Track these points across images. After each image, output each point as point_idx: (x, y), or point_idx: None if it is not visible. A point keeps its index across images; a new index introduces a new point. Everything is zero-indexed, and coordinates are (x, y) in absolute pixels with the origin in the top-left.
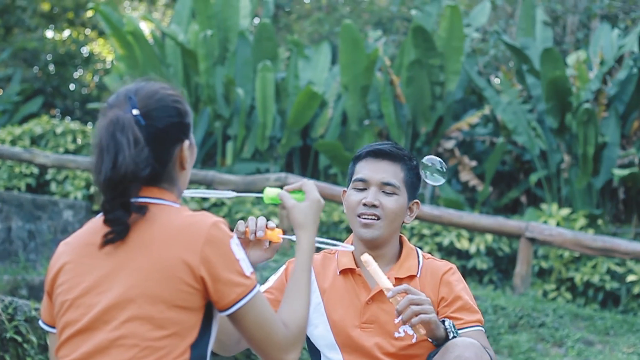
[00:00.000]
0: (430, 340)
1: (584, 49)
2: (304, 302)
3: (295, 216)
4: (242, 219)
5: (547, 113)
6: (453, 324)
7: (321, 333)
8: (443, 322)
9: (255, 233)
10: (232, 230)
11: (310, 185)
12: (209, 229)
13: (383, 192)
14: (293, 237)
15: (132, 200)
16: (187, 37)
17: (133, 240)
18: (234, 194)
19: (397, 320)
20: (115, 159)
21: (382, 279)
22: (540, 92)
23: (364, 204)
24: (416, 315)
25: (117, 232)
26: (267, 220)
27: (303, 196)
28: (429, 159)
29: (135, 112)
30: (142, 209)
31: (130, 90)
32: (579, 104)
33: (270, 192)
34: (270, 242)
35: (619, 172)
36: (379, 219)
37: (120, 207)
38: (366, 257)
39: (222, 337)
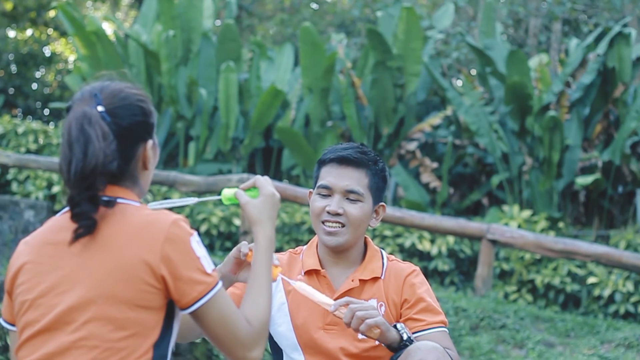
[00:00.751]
0: (384, 345)
1: (546, 52)
2: (266, 298)
3: (249, 212)
4: (204, 219)
5: (509, 115)
6: (404, 326)
7: (284, 333)
8: (395, 326)
9: None
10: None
11: (263, 181)
12: (169, 228)
13: (347, 199)
14: (292, 282)
15: (99, 194)
16: (150, 38)
17: (95, 239)
18: (196, 199)
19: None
20: (86, 150)
21: (321, 298)
22: (503, 94)
23: (328, 212)
24: (363, 321)
25: (86, 227)
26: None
27: (257, 193)
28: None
29: (100, 108)
30: (110, 203)
31: (95, 87)
32: (540, 106)
33: (227, 193)
34: None
35: (582, 181)
36: (343, 226)
37: (88, 200)
38: (299, 285)
39: (184, 329)
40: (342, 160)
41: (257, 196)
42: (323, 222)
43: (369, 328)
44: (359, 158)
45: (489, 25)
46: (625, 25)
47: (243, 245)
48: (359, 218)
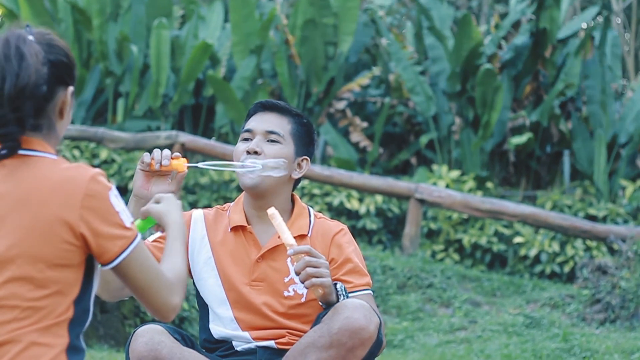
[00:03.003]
0: (321, 303)
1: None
2: (182, 257)
3: (155, 210)
4: (132, 176)
5: (449, 76)
6: (344, 288)
7: (211, 288)
8: (335, 284)
9: (160, 162)
10: (119, 188)
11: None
12: (87, 183)
13: (268, 141)
14: (200, 165)
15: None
16: None
17: (11, 194)
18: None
19: (287, 279)
20: (20, 67)
21: (286, 234)
22: (441, 53)
23: (247, 152)
24: (310, 278)
25: (9, 148)
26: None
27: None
28: None
29: (31, 37)
30: (38, 128)
31: (21, 25)
32: (469, 67)
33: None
34: (176, 173)
35: (515, 140)
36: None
37: (14, 122)
38: (272, 211)
39: (104, 284)
40: (266, 106)
41: (145, 228)
42: (243, 165)
43: (313, 286)
44: (282, 105)
45: None
46: None
47: (145, 156)
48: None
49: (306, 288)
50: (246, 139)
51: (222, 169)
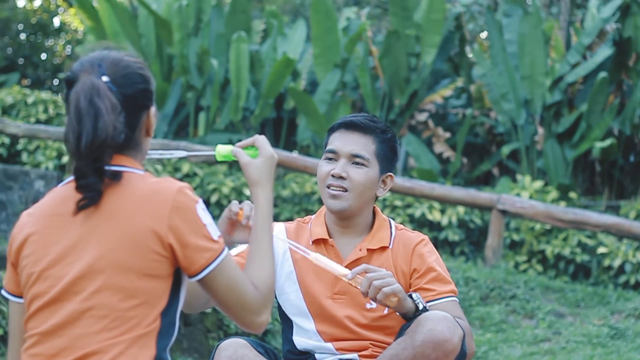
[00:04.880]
0: (399, 313)
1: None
2: (269, 260)
3: (250, 173)
4: (215, 190)
5: (522, 84)
6: (419, 296)
7: (293, 301)
8: (410, 295)
9: (249, 219)
10: (204, 202)
11: (263, 141)
12: (175, 195)
13: (352, 163)
14: (307, 254)
15: (106, 166)
16: (160, 7)
17: (100, 209)
18: (186, 153)
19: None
20: (96, 124)
21: (336, 268)
22: (518, 62)
23: (332, 175)
24: (380, 290)
25: (90, 198)
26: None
27: (256, 152)
28: None
29: (105, 79)
30: (117, 176)
31: (95, 58)
32: (554, 77)
33: (222, 149)
34: None
35: (599, 144)
36: (346, 190)
37: (94, 172)
38: (314, 256)
39: (191, 299)
40: (350, 125)
41: (255, 155)
42: (328, 187)
43: (387, 296)
44: (366, 124)
45: None
46: None
47: (233, 205)
48: (363, 183)
49: (380, 302)
50: (330, 159)
51: (171, 157)
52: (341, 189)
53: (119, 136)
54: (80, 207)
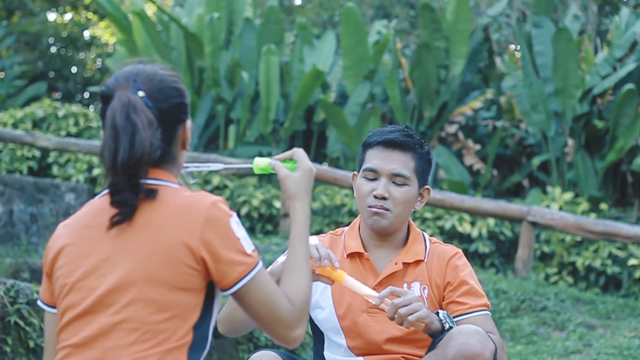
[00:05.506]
0: (428, 334)
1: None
2: (305, 274)
3: (288, 186)
4: (245, 202)
5: (554, 96)
6: (448, 314)
7: (326, 317)
8: (437, 313)
9: (319, 260)
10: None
11: (301, 154)
12: (208, 209)
13: (393, 182)
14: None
15: (141, 182)
16: (191, 21)
17: (134, 222)
18: (223, 165)
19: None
20: (133, 140)
21: (363, 289)
22: (550, 74)
23: (375, 196)
24: (407, 317)
25: (124, 214)
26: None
27: (295, 165)
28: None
29: (141, 94)
30: (152, 193)
31: (130, 72)
32: (585, 88)
33: (260, 162)
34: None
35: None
36: (389, 210)
37: (129, 188)
38: (345, 279)
39: (232, 324)
40: (389, 144)
41: (294, 169)
42: (369, 206)
43: (412, 324)
44: (405, 141)
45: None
46: None
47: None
48: (405, 202)
49: (407, 328)
50: (370, 179)
51: (208, 169)
52: (384, 209)
53: (155, 152)
54: (114, 223)
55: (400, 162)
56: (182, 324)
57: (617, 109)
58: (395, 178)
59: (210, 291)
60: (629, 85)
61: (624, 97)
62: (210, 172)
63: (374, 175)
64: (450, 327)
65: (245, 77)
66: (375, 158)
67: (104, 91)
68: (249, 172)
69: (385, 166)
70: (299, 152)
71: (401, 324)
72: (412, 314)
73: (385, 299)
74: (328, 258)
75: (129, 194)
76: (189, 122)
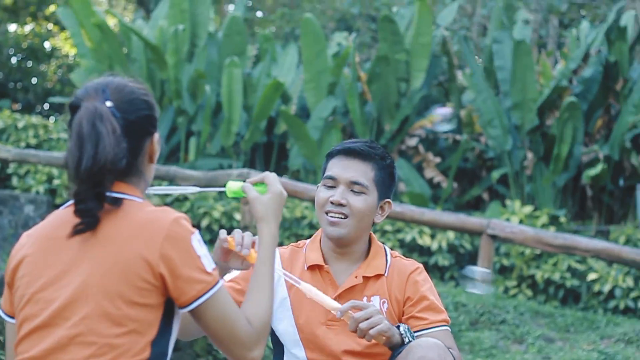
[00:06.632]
0: (388, 347)
1: (544, 47)
2: (268, 297)
3: (257, 208)
4: (205, 214)
5: (513, 110)
6: (408, 329)
7: (285, 328)
8: (398, 327)
9: (242, 246)
10: (194, 226)
11: (272, 178)
12: (169, 225)
13: (352, 190)
14: (298, 284)
15: (106, 193)
16: (153, 33)
17: (96, 235)
18: (198, 189)
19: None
20: (97, 148)
21: (327, 301)
22: (509, 88)
23: (332, 202)
24: (369, 330)
25: (87, 224)
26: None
27: (265, 189)
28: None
29: (109, 104)
30: (117, 201)
31: (100, 83)
32: (542, 101)
33: (232, 186)
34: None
35: (590, 172)
36: (345, 217)
37: (94, 197)
38: (306, 287)
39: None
40: (349, 152)
41: (264, 192)
42: (326, 213)
43: (373, 337)
44: (365, 151)
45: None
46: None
47: (222, 234)
48: (362, 210)
49: (368, 341)
50: (329, 186)
51: (175, 192)
52: (341, 216)
53: (120, 162)
54: (76, 231)
55: (359, 171)
56: (139, 339)
57: (561, 123)
58: (353, 186)
59: (170, 308)
60: (571, 98)
61: (567, 110)
62: (171, 183)
63: (332, 183)
64: (410, 341)
65: (207, 90)
66: (335, 166)
67: (73, 101)
68: (207, 186)
69: (344, 174)
70: (269, 176)
71: (363, 337)
72: (373, 327)
73: (347, 312)
74: (248, 247)
75: (93, 203)
76: (157, 136)
